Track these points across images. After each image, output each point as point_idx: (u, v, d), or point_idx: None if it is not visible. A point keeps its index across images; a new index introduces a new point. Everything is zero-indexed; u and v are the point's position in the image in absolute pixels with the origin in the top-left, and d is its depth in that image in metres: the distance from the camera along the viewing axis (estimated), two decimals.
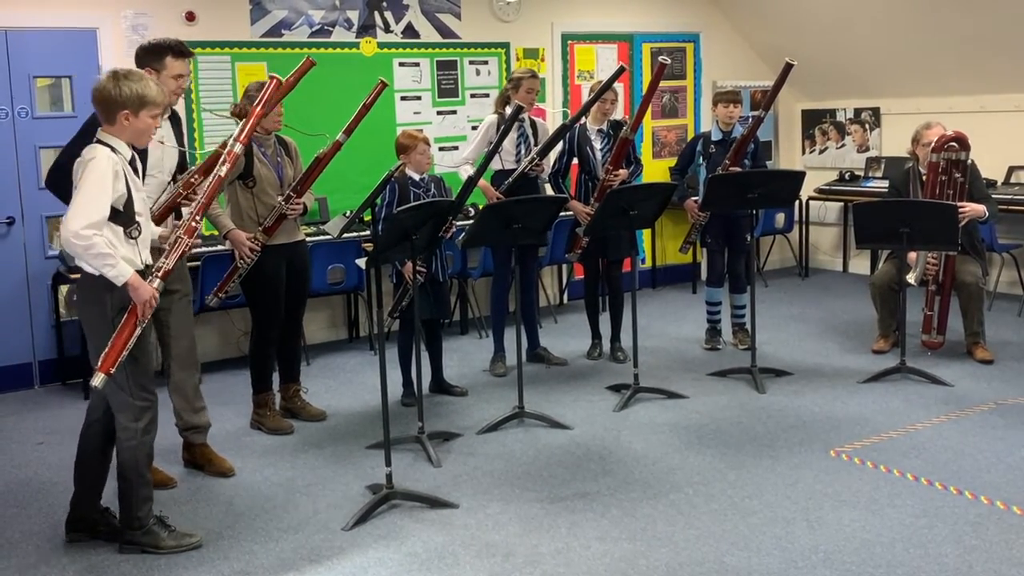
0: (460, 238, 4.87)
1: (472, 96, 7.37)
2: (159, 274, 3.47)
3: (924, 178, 5.68)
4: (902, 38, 7.51)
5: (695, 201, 6.08)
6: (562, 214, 5.23)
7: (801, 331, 6.63)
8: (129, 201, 3.39)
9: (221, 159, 3.73)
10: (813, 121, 8.90)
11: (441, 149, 7.04)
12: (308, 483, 4.23)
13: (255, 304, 4.89)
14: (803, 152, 9.02)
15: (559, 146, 5.83)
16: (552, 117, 7.42)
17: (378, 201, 4.39)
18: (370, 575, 3.40)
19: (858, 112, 8.50)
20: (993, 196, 6.00)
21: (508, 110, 5.50)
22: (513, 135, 5.66)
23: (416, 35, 7.08)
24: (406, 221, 4.08)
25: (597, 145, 5.88)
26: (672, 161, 7.01)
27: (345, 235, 5.01)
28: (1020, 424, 4.65)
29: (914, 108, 7.71)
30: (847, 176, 8.37)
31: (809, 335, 6.52)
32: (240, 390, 5.47)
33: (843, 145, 8.66)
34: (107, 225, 3.30)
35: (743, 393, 5.29)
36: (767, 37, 8.53)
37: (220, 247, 5.47)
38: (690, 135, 8.24)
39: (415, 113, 7.12)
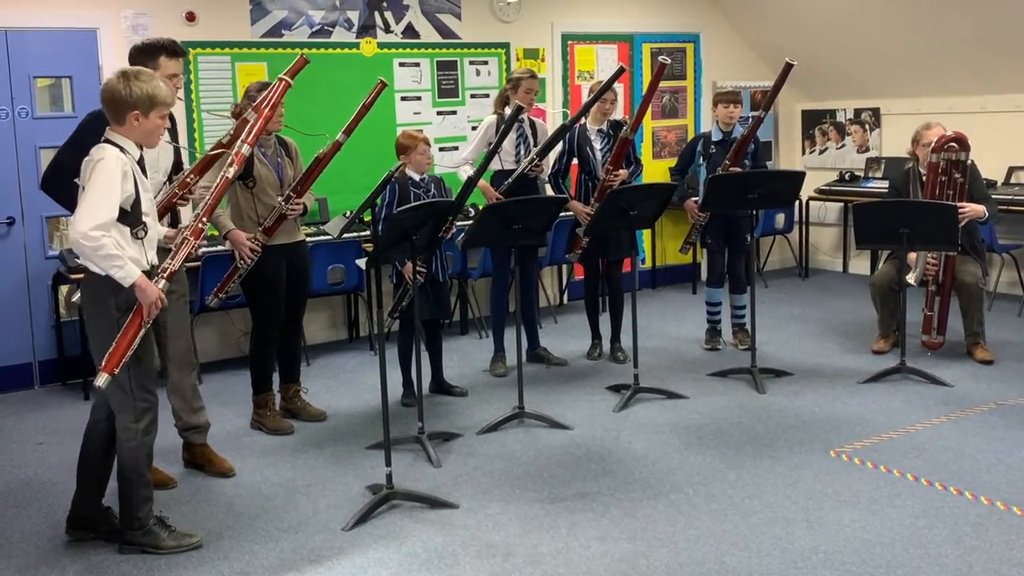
0: (460, 238, 4.86)
1: (472, 96, 7.37)
2: (165, 275, 3.48)
3: (924, 178, 5.68)
4: (902, 38, 7.51)
5: (695, 201, 6.08)
6: (562, 214, 5.23)
7: (801, 331, 6.63)
8: (137, 202, 3.38)
9: (229, 160, 3.73)
10: (813, 121, 8.90)
11: (441, 149, 7.04)
12: (308, 483, 4.23)
13: (255, 304, 4.89)
14: (803, 152, 9.02)
15: (559, 146, 5.83)
16: (552, 117, 7.43)
17: (378, 201, 4.39)
18: (370, 575, 3.41)
19: (858, 112, 8.50)
20: (993, 196, 6.00)
21: (507, 110, 5.51)
22: (512, 135, 5.66)
23: (416, 35, 7.07)
24: (406, 221, 4.08)
25: (597, 145, 5.88)
26: (672, 161, 7.02)
27: (345, 235, 5.01)
28: (1020, 424, 4.65)
29: (914, 108, 7.71)
30: (847, 176, 8.37)
31: (809, 335, 6.52)
32: (240, 390, 5.47)
33: (843, 145, 8.66)
34: (114, 225, 3.30)
35: (743, 393, 5.29)
36: (767, 37, 8.52)
37: (220, 247, 5.47)
38: (690, 135, 8.24)
39: (415, 113, 7.12)
